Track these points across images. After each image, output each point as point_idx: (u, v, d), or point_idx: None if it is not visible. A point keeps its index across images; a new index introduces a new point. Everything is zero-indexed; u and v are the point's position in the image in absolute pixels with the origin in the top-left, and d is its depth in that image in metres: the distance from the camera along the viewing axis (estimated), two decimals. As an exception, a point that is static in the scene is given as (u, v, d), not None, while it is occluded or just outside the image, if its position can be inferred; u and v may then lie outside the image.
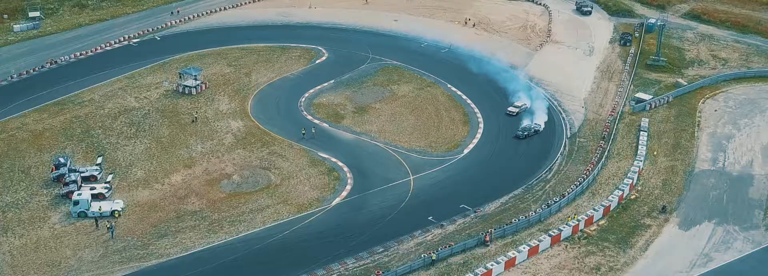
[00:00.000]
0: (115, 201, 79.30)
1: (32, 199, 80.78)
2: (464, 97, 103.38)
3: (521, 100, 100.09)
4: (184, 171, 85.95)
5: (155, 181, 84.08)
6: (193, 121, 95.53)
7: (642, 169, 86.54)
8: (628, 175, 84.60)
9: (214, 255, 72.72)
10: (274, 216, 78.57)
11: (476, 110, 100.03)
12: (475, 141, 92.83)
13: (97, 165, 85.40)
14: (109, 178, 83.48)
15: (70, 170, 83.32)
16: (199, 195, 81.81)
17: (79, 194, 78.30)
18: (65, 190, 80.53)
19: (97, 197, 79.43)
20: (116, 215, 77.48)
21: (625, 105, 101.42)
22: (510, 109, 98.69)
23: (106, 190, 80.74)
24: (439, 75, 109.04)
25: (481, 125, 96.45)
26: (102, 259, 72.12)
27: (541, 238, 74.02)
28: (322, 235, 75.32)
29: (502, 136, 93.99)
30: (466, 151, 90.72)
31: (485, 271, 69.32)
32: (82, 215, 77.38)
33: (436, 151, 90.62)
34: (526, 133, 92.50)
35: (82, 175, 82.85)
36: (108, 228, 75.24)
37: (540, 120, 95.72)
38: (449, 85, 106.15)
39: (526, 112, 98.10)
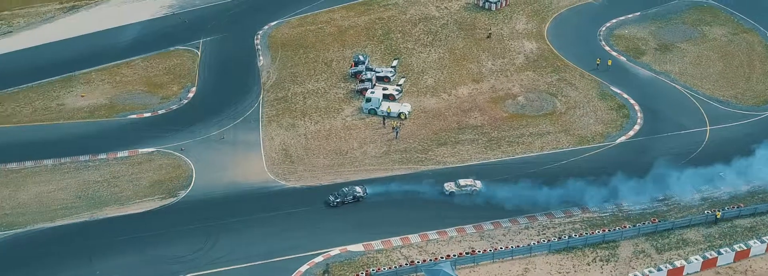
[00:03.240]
0: (404, 104, 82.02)
1: (330, 90, 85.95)
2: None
3: (468, 180, 70.93)
4: (471, 85, 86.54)
5: (443, 90, 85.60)
6: (488, 36, 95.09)
7: None
8: None
9: (487, 171, 73.33)
10: (554, 143, 77.15)
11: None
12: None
13: (392, 67, 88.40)
14: (401, 81, 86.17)
15: (367, 69, 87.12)
16: (482, 110, 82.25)
17: (372, 92, 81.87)
18: (360, 86, 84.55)
19: (387, 98, 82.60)
20: (402, 117, 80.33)
21: None
22: (446, 185, 70.41)
23: (397, 92, 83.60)
24: (759, 21, 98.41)
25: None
26: (384, 156, 75.63)
27: None
28: (600, 171, 72.61)
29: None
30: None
31: (775, 240, 63.53)
32: (372, 112, 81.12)
33: (742, 103, 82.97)
34: (338, 200, 68.44)
35: (377, 74, 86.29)
36: (393, 128, 78.34)
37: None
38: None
39: (465, 195, 69.97)
